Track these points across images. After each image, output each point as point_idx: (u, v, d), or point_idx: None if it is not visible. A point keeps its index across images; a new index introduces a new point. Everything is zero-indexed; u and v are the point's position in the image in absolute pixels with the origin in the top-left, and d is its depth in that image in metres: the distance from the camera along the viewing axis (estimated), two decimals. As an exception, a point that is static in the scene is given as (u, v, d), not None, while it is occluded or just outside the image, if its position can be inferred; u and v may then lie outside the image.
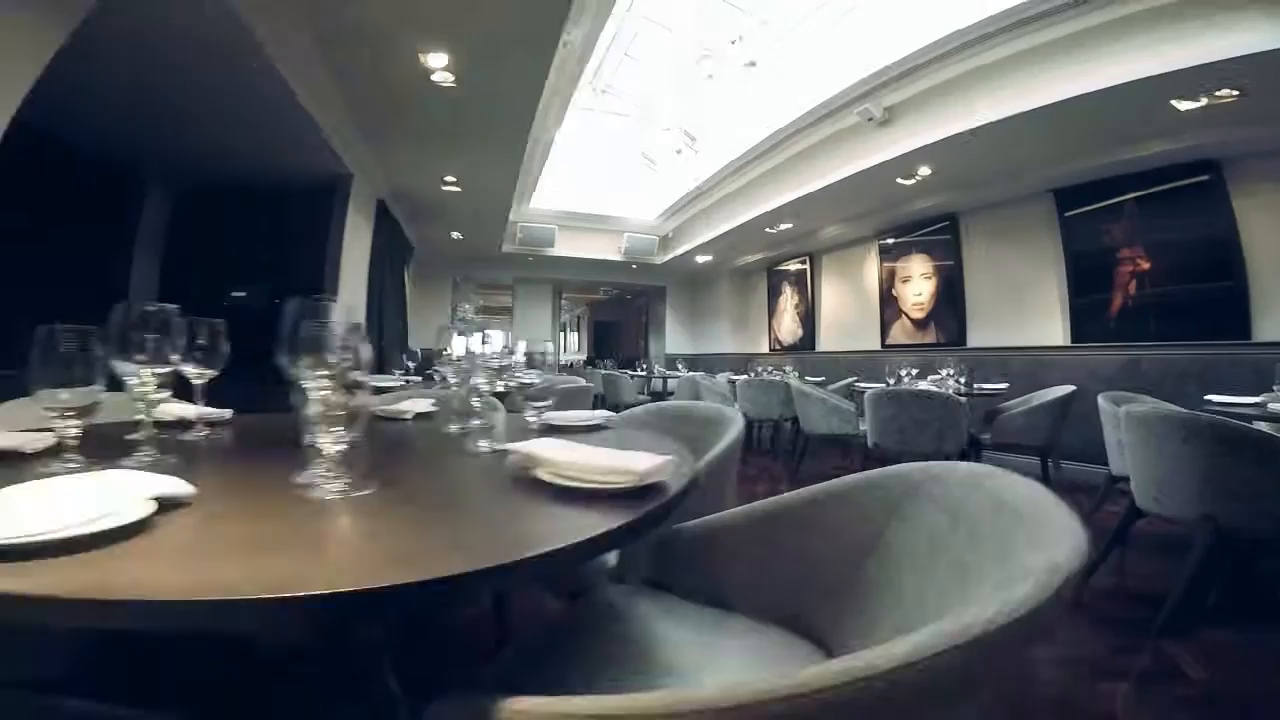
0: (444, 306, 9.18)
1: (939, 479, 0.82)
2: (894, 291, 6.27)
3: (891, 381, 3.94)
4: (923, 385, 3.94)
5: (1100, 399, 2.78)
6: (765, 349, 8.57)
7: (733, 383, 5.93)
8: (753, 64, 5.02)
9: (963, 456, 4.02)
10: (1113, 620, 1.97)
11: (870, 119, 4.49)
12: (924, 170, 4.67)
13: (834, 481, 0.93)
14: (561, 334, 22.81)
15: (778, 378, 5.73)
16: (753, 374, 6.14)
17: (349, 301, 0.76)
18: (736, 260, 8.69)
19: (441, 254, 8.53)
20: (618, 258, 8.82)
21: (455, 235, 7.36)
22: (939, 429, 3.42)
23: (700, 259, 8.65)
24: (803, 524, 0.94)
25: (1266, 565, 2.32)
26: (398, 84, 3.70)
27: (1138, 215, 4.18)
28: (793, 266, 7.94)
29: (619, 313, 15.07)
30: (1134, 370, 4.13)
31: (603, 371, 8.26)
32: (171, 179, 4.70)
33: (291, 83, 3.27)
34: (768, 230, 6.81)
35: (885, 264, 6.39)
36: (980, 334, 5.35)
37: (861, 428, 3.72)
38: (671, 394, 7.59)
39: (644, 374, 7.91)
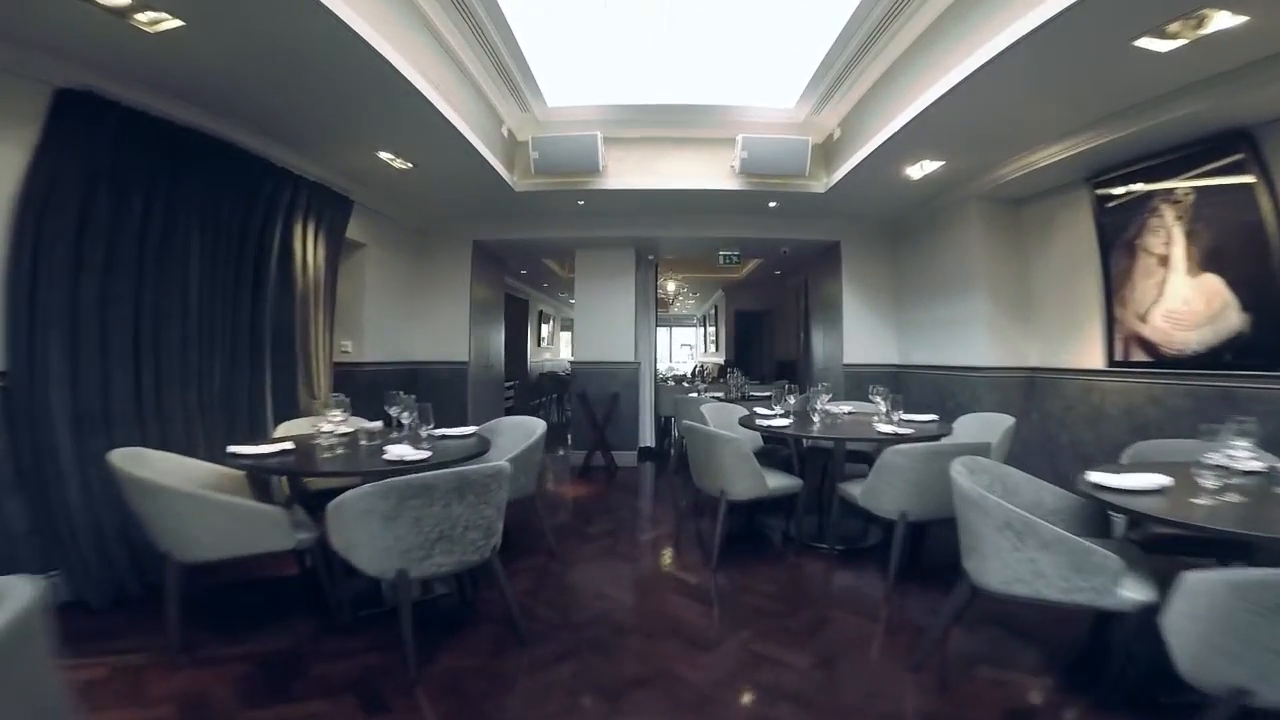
0: (460, 286, 5.72)
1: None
2: None
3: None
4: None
5: None
6: (1099, 361, 3.61)
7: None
8: None
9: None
10: None
11: None
12: None
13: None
14: (702, 328, 15.44)
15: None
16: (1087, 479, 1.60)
17: None
18: (1001, 170, 3.79)
19: (430, 208, 5.06)
20: (732, 185, 4.51)
21: (389, 159, 3.78)
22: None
23: (915, 172, 3.95)
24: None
25: None
26: None
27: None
28: (1177, 180, 2.86)
29: (769, 296, 10.36)
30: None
31: (705, 420, 4.03)
32: None
33: None
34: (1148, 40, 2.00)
35: None
36: None
37: None
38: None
39: (770, 407, 3.60)
